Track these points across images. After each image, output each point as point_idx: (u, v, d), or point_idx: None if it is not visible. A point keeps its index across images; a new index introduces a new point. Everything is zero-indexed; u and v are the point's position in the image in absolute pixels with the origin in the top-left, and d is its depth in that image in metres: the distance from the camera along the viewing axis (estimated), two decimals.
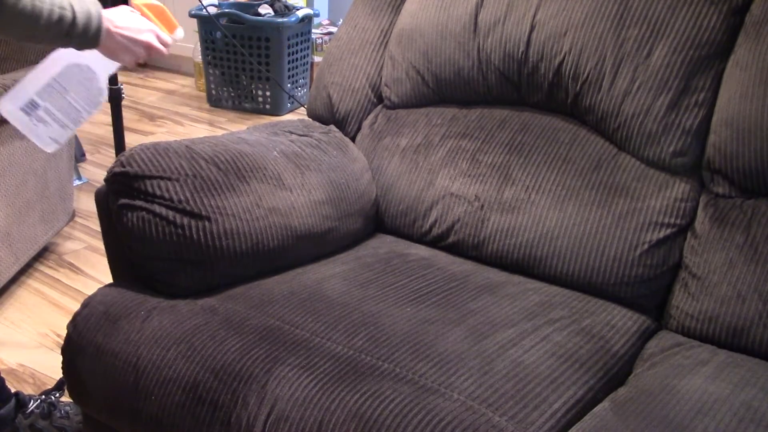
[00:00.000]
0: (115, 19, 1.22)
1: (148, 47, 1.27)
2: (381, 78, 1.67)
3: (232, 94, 3.90)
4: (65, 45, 1.17)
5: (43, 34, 1.11)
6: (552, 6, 1.44)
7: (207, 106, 4.00)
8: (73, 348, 1.21)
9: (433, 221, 1.50)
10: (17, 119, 1.21)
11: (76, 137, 2.70)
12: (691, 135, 1.33)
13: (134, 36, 1.25)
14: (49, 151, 1.27)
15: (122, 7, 1.25)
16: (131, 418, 1.15)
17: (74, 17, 1.13)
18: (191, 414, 1.07)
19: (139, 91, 4.24)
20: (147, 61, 1.30)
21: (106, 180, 1.29)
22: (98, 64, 1.27)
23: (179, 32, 1.35)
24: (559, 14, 1.43)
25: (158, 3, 1.33)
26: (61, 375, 1.72)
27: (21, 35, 1.11)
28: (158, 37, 1.30)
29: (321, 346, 1.09)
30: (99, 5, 1.19)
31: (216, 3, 3.87)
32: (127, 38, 1.23)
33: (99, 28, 1.18)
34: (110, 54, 1.24)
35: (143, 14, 1.30)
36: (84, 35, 1.16)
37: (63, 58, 1.26)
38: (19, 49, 2.25)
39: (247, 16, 3.67)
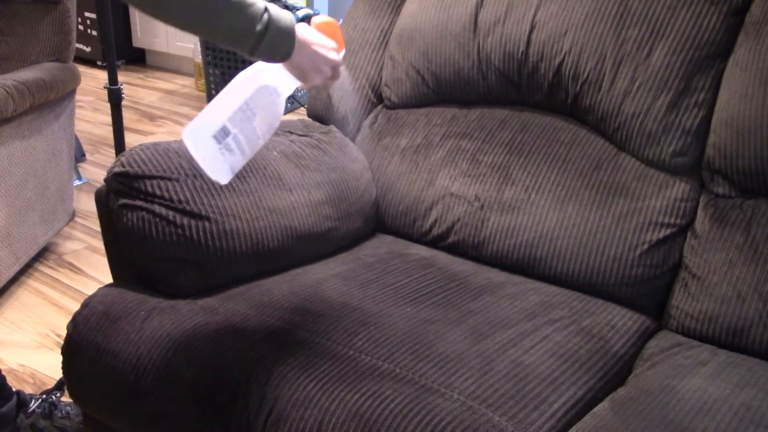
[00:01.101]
0: (306, 33, 1.10)
1: (334, 66, 1.15)
2: (381, 78, 1.67)
3: None
4: (255, 50, 1.03)
5: (244, 27, 0.99)
6: (552, 6, 1.44)
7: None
8: (73, 348, 1.21)
9: (433, 221, 1.50)
10: (204, 148, 1.06)
11: (76, 137, 2.70)
12: (691, 135, 1.33)
13: (325, 54, 1.12)
14: (223, 183, 1.10)
15: (303, 25, 1.12)
16: (131, 418, 1.15)
17: (271, 16, 1.02)
18: (191, 414, 1.07)
19: (139, 91, 4.24)
20: (323, 83, 1.18)
21: (106, 180, 1.29)
22: (283, 85, 1.14)
23: (344, 52, 1.23)
24: (559, 14, 1.43)
25: (334, 20, 1.21)
26: (61, 375, 1.72)
27: (223, 27, 0.99)
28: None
29: (321, 346, 1.09)
30: (292, 16, 1.07)
31: None
32: (319, 55, 1.11)
33: (293, 37, 1.06)
34: (299, 71, 1.11)
35: (322, 32, 1.18)
36: (278, 40, 1.03)
37: (253, 78, 1.12)
38: (18, 50, 2.25)
39: None
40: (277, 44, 1.04)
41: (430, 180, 1.51)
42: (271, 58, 1.07)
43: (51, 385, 1.78)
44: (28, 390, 1.76)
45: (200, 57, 4.01)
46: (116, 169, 1.26)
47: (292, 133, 1.56)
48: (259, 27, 1.00)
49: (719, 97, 1.31)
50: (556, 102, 1.48)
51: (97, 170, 3.08)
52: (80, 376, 1.21)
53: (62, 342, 1.24)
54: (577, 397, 1.06)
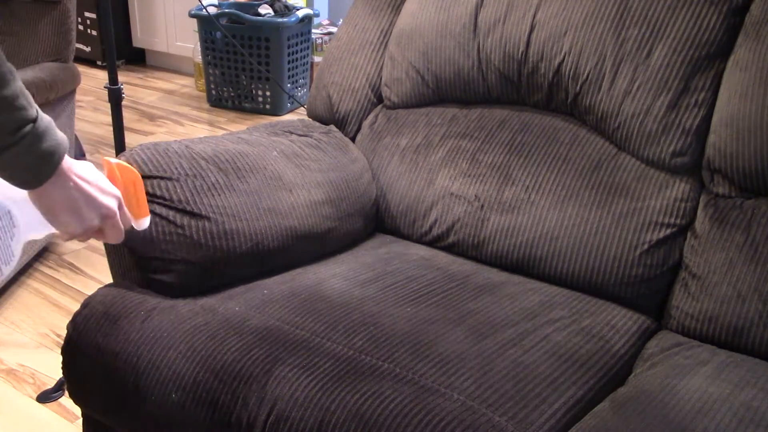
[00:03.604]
0: (76, 166, 0.88)
1: (106, 216, 0.91)
2: (381, 78, 1.67)
3: (232, 94, 3.90)
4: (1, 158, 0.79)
5: None
6: (552, 6, 1.44)
7: (207, 106, 4.00)
8: (73, 348, 1.21)
9: (433, 221, 1.50)
10: None
11: (76, 137, 2.70)
12: (691, 135, 1.33)
13: (95, 194, 0.88)
14: None
15: (86, 163, 0.90)
16: (131, 418, 1.15)
17: (36, 118, 0.82)
18: (191, 414, 1.07)
19: (139, 91, 4.24)
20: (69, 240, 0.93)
21: None
22: (23, 215, 0.86)
23: (145, 222, 0.99)
24: (559, 14, 1.43)
25: (136, 171, 0.99)
26: (61, 375, 1.72)
27: None
28: (121, 211, 0.95)
29: (321, 346, 1.09)
30: (66, 141, 0.87)
31: (216, 3, 3.87)
32: (85, 194, 0.87)
33: (51, 164, 0.83)
34: (49, 208, 0.86)
35: (112, 178, 0.95)
36: (31, 154, 0.81)
37: None
38: (18, 50, 2.25)
39: (247, 16, 3.67)
40: (22, 165, 0.82)
41: (430, 180, 1.51)
42: (9, 177, 0.83)
43: (51, 385, 1.78)
44: (28, 390, 1.76)
45: (200, 57, 4.01)
46: None
47: (292, 133, 1.56)
48: (9, 138, 0.79)
49: (719, 97, 1.31)
50: (556, 102, 1.48)
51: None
52: (80, 376, 1.21)
53: (62, 342, 1.24)
54: (577, 397, 1.06)
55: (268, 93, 3.82)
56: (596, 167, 1.39)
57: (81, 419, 1.36)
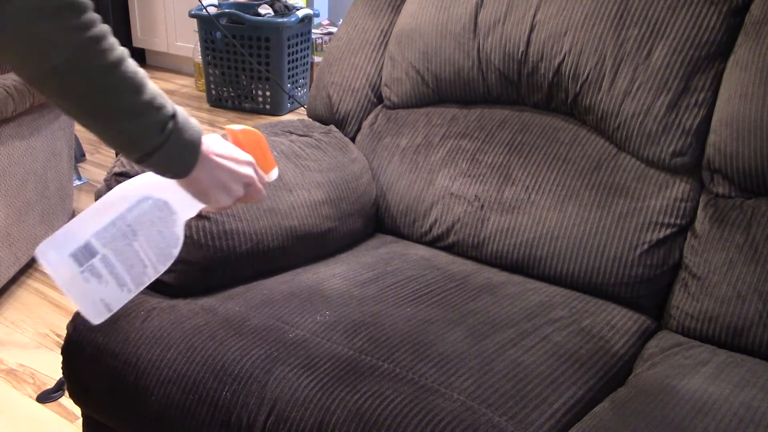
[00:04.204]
0: (212, 145, 0.91)
1: (247, 184, 0.96)
2: (381, 78, 1.67)
3: (232, 94, 3.90)
4: (144, 161, 0.85)
5: (136, 118, 0.81)
6: (552, 6, 1.44)
7: (207, 106, 4.00)
8: (73, 348, 1.21)
9: (433, 221, 1.50)
10: (63, 269, 0.84)
11: (75, 137, 2.70)
12: (691, 135, 1.33)
13: (235, 168, 0.93)
14: (95, 322, 0.88)
15: (214, 136, 0.94)
16: (131, 418, 1.15)
17: (176, 116, 0.85)
18: (191, 414, 1.07)
19: None
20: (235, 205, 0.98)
21: (106, 180, 1.29)
22: (178, 201, 0.92)
23: (275, 173, 1.03)
24: (559, 14, 1.43)
25: (257, 131, 1.02)
26: (61, 375, 1.72)
27: (108, 114, 0.81)
28: (257, 174, 0.99)
29: (321, 346, 1.09)
30: (198, 123, 0.90)
31: (216, 3, 3.87)
32: (227, 170, 0.92)
33: (197, 152, 0.88)
34: (200, 190, 0.92)
35: (238, 144, 0.98)
36: (176, 153, 0.85)
37: (133, 190, 0.90)
38: None
39: (247, 16, 3.67)
40: (174, 159, 0.86)
41: (430, 180, 1.51)
42: (164, 173, 0.88)
43: (51, 385, 1.78)
44: (28, 390, 1.76)
45: (200, 57, 4.01)
46: (116, 169, 1.26)
47: (292, 133, 1.56)
48: (158, 138, 0.83)
49: (719, 97, 1.31)
50: (556, 102, 1.48)
51: (97, 170, 3.08)
52: (80, 376, 1.21)
53: (62, 342, 1.24)
54: (578, 397, 1.06)
55: (268, 93, 3.82)
56: (596, 167, 1.39)
57: (81, 419, 1.36)
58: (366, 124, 1.66)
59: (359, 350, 1.09)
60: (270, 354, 1.07)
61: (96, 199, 1.32)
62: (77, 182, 2.90)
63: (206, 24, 3.78)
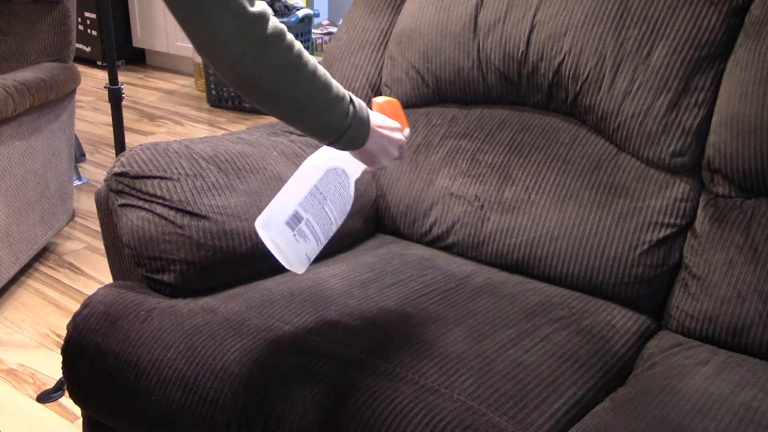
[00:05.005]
0: (372, 118, 1.08)
1: (401, 147, 1.14)
2: (381, 78, 1.67)
3: (232, 94, 3.90)
4: (335, 142, 1.03)
5: (332, 111, 0.99)
6: (552, 6, 1.44)
7: (207, 106, 4.00)
8: (73, 348, 1.21)
9: (432, 221, 1.50)
10: (278, 236, 1.04)
11: (75, 137, 2.70)
12: (691, 135, 1.33)
13: (392, 136, 1.11)
14: (300, 272, 1.10)
15: (370, 112, 1.11)
16: (131, 418, 1.15)
17: (352, 100, 1.02)
18: (191, 414, 1.07)
19: (139, 91, 4.24)
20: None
21: (106, 180, 1.29)
22: (351, 167, 1.13)
23: (407, 131, 1.20)
24: (559, 14, 1.43)
25: (396, 100, 1.21)
26: (61, 375, 1.72)
27: (314, 113, 0.98)
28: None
29: (321, 347, 1.09)
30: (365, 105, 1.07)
31: None
32: (386, 139, 1.10)
33: (369, 127, 1.05)
34: (369, 156, 1.10)
35: (384, 113, 1.17)
36: (358, 132, 1.03)
37: (319, 163, 1.11)
38: (18, 50, 2.25)
39: None
40: (356, 136, 1.04)
41: (429, 180, 1.51)
42: (346, 148, 1.06)
43: (51, 385, 1.78)
44: (28, 390, 1.77)
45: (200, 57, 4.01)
46: (116, 169, 1.27)
47: (292, 133, 1.56)
48: (346, 122, 1.01)
49: (719, 97, 1.31)
50: (556, 102, 1.48)
51: (97, 170, 3.09)
52: (80, 376, 1.21)
53: (62, 342, 1.24)
54: (578, 397, 1.06)
55: None
56: (596, 167, 1.39)
57: (81, 419, 1.36)
58: None
59: (359, 350, 1.09)
60: (270, 354, 1.07)
61: (96, 200, 1.33)
62: (77, 182, 2.90)
63: None
